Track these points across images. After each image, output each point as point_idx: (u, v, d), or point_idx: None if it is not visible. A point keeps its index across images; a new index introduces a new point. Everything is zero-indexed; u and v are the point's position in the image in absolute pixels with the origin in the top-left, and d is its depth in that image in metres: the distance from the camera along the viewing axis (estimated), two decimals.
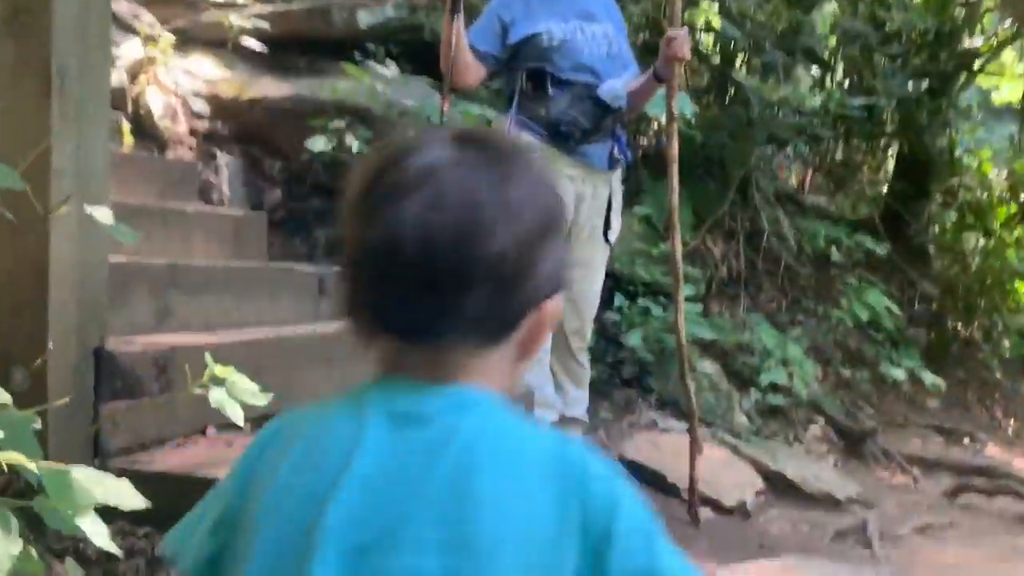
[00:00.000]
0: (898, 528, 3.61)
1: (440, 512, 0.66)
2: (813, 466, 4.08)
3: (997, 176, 6.78)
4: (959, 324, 6.75)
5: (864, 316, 5.48)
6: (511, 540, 0.66)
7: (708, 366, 4.72)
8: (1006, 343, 6.64)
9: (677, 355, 3.49)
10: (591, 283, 3.45)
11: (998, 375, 6.58)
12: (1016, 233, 6.19)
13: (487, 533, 0.65)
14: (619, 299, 4.60)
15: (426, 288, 0.69)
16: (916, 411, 5.69)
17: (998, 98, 7.29)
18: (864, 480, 4.37)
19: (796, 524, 3.54)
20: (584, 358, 3.52)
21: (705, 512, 3.34)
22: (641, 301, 4.58)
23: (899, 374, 5.32)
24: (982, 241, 6.10)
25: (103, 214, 1.65)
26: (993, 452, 5.14)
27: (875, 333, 5.69)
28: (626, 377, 4.56)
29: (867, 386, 5.52)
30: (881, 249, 5.90)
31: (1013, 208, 6.36)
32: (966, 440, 5.26)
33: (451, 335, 0.72)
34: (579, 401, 3.54)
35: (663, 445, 3.79)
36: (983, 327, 6.69)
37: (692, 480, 3.28)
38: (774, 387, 4.73)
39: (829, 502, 3.79)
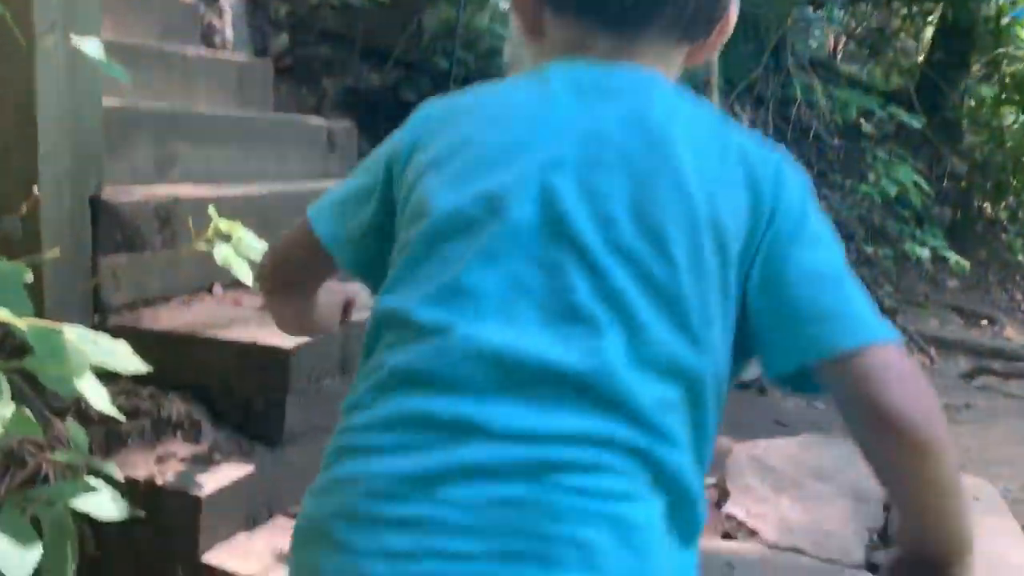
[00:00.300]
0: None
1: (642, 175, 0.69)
2: None
3: None
4: (987, 203, 6.56)
5: (892, 192, 5.29)
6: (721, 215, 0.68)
7: None
8: None
9: None
10: None
11: (1020, 257, 6.46)
12: None
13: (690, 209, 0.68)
14: None
15: None
16: (937, 290, 5.59)
17: None
18: None
19: (810, 402, 3.50)
20: None
21: None
22: None
23: (923, 253, 5.19)
24: (1021, 117, 5.81)
25: (93, 47, 1.47)
26: (1011, 334, 5.08)
27: (902, 210, 5.53)
28: None
29: (889, 263, 5.40)
30: (916, 122, 5.63)
31: None
32: (984, 322, 5.18)
33: (660, 25, 0.74)
34: None
35: None
36: (1010, 207, 6.50)
37: None
38: None
39: None
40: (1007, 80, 6.09)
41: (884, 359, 0.65)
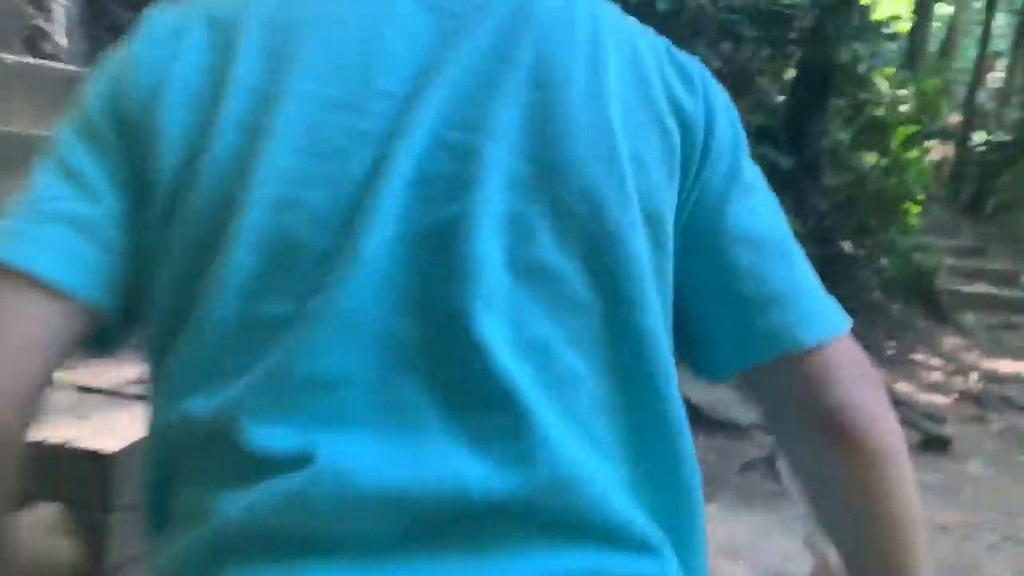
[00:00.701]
0: None
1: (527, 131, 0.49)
2: (714, 389, 3.90)
3: (895, 93, 6.71)
4: (849, 242, 6.76)
5: None
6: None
7: None
8: (883, 261, 6.71)
9: None
10: None
11: (875, 295, 6.68)
12: (914, 153, 6.15)
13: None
14: None
15: None
16: None
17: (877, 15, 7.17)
18: None
19: (704, 453, 3.35)
20: None
21: None
22: None
23: None
24: (883, 161, 6.01)
25: None
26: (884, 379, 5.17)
27: None
28: None
29: None
30: (785, 162, 5.72)
31: (912, 128, 6.30)
32: None
33: None
34: None
35: None
36: (866, 247, 6.72)
37: None
38: None
39: (733, 428, 3.63)
40: (864, 125, 6.31)
41: (846, 355, 0.56)
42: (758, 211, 0.56)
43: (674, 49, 0.57)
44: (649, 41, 0.55)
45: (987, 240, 10.03)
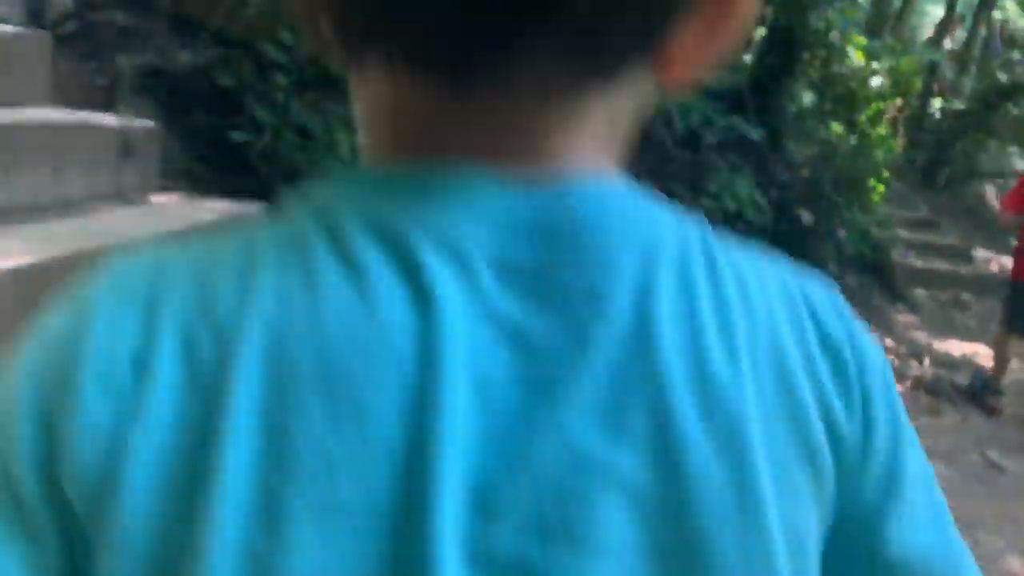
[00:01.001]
0: None
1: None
2: None
3: (867, 65, 6.61)
4: (809, 214, 6.73)
5: (732, 208, 5.24)
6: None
7: None
8: (842, 234, 6.70)
9: None
10: None
11: (831, 266, 6.68)
12: (881, 129, 6.09)
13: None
14: None
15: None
16: None
17: None
18: None
19: None
20: None
21: None
22: None
23: None
24: (851, 137, 5.94)
25: None
26: None
27: (740, 223, 5.50)
28: None
29: None
30: (755, 134, 5.62)
31: (881, 105, 6.24)
32: None
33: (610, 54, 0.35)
34: None
35: None
36: (826, 220, 6.69)
37: None
38: None
39: None
40: (834, 97, 6.21)
41: None
42: (921, 523, 0.43)
43: (817, 306, 0.42)
44: (787, 312, 0.40)
45: (940, 213, 10.14)
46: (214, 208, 2.42)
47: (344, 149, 3.17)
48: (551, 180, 0.35)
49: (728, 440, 0.35)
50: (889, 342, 5.94)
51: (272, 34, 3.19)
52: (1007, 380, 5.50)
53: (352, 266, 0.32)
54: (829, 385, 0.40)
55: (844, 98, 6.05)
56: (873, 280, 7.35)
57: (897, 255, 7.81)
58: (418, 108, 0.35)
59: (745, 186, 5.33)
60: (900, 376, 5.15)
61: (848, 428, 0.40)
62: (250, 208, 2.50)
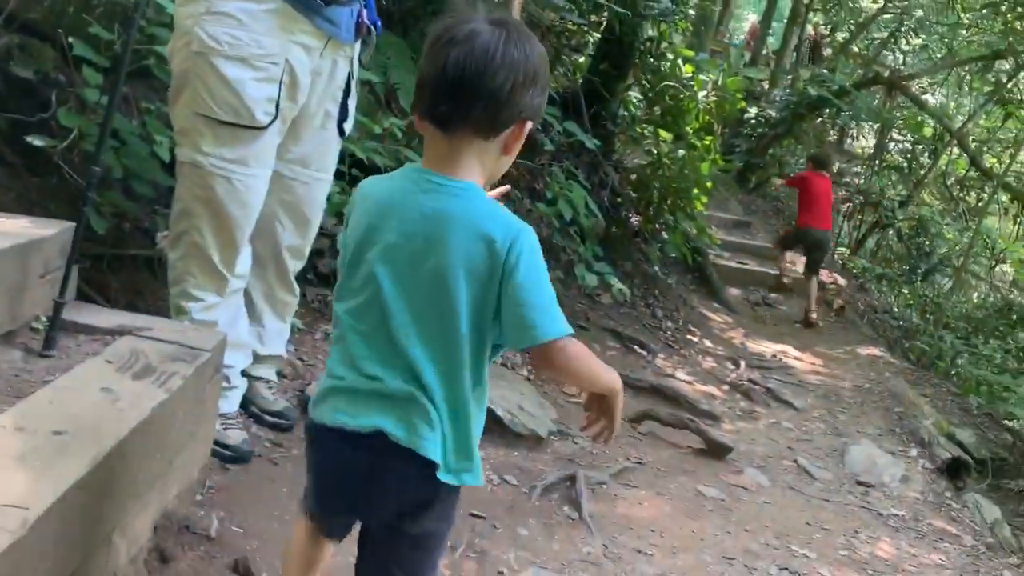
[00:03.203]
0: (599, 472, 3.51)
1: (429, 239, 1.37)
2: (512, 394, 3.82)
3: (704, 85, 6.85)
4: (634, 216, 6.92)
5: (568, 215, 5.30)
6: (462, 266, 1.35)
7: None
8: (665, 236, 6.95)
9: None
10: (318, 188, 2.71)
11: (656, 268, 6.93)
12: (708, 140, 6.35)
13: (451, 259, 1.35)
14: None
15: (454, 99, 1.33)
16: (594, 307, 5.75)
17: None
18: (555, 399, 4.26)
19: (503, 474, 3.26)
20: (295, 284, 2.81)
21: None
22: (352, 187, 3.85)
23: (591, 280, 5.26)
24: (679, 149, 6.15)
25: None
26: (664, 365, 5.36)
27: (570, 228, 5.57)
28: (323, 272, 3.88)
29: (558, 286, 5.42)
30: (590, 143, 5.70)
31: (706, 118, 6.50)
32: (638, 348, 5.41)
33: (466, 125, 1.35)
34: (279, 335, 2.85)
35: None
36: (652, 224, 6.92)
37: None
38: None
39: (533, 441, 3.58)
40: (664, 108, 6.41)
41: (559, 347, 1.34)
42: (528, 288, 1.34)
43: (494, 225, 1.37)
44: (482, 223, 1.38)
45: (751, 213, 10.78)
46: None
47: (165, 151, 2.90)
48: (453, 177, 1.38)
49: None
50: (708, 343, 6.24)
51: (81, 25, 2.85)
52: (816, 380, 5.93)
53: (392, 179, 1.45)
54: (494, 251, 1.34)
55: (672, 109, 6.25)
56: (693, 281, 7.70)
57: (714, 256, 8.23)
58: (430, 139, 1.40)
59: (579, 193, 5.40)
60: (718, 379, 5.42)
61: (498, 262, 1.33)
62: (46, 229, 2.22)
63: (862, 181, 12.89)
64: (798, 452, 4.45)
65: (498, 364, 4.30)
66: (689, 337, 6.18)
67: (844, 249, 12.11)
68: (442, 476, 1.38)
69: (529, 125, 1.38)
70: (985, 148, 12.09)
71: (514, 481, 3.23)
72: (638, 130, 7.11)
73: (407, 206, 1.37)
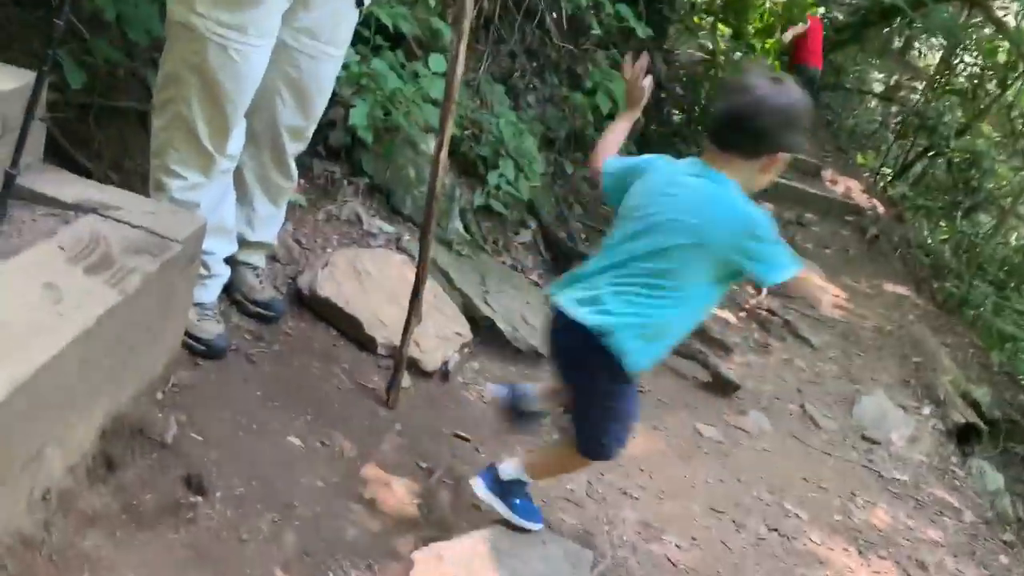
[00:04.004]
0: None
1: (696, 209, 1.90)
2: (517, 303, 3.59)
3: None
4: (681, 115, 6.52)
5: (605, 108, 4.93)
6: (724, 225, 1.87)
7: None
8: None
9: (432, 165, 2.52)
10: (327, 65, 2.41)
11: None
12: (768, 44, 5.86)
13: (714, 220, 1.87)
14: None
15: (730, 131, 1.90)
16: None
17: None
18: None
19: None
20: (293, 167, 2.55)
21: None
22: (374, 58, 3.51)
23: None
24: (738, 52, 5.68)
25: None
26: None
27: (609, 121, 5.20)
28: (333, 145, 3.59)
29: (585, 185, 5.12)
30: (641, 31, 5.25)
31: (769, 19, 5.98)
32: None
33: (734, 148, 1.90)
34: (270, 221, 2.62)
35: (368, 271, 3.01)
36: (696, 128, 6.52)
37: (400, 355, 2.60)
38: (496, 187, 4.09)
39: (533, 358, 3.39)
40: (727, 1, 5.88)
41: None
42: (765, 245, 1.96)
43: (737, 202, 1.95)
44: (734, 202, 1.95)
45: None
46: None
47: None
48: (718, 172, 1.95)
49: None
50: None
51: None
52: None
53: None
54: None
55: (735, 2, 5.74)
56: None
57: None
58: (709, 148, 1.97)
59: (621, 84, 5.00)
60: (737, 303, 5.18)
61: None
62: None
63: (920, 100, 12.20)
64: (807, 396, 4.27)
65: (507, 266, 4.07)
66: None
67: (888, 171, 11.60)
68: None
69: (787, 155, 1.91)
70: None
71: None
72: (695, 20, 6.58)
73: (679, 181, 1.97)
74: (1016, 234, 11.49)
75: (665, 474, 3.04)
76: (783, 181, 8.24)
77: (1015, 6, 10.44)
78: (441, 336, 3.02)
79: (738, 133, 1.88)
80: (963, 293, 7.56)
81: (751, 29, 5.85)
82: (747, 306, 5.16)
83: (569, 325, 1.94)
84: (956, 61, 11.82)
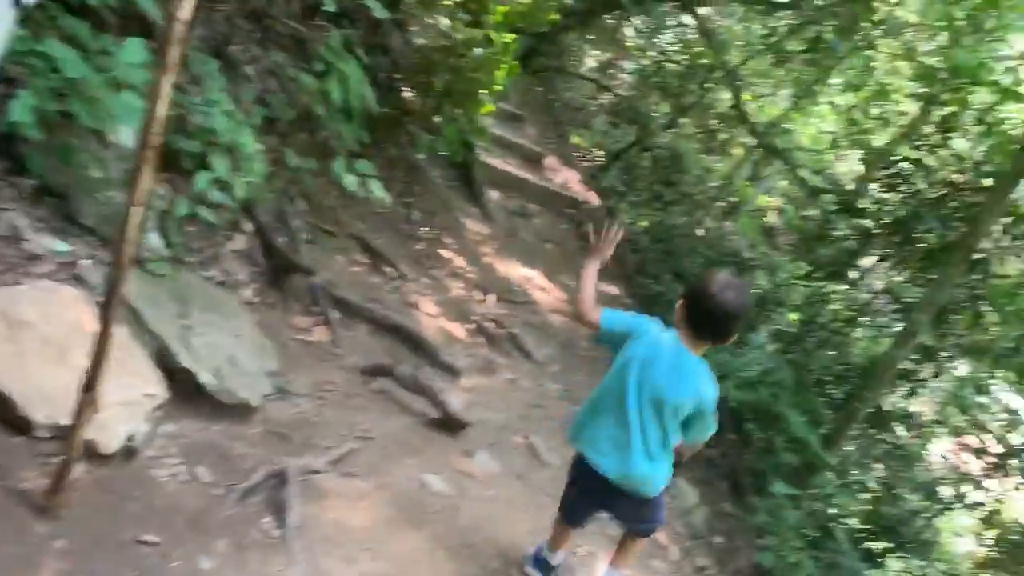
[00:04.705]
0: (316, 455, 2.94)
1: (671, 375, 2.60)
2: (226, 338, 3.08)
3: None
4: (418, 103, 6.14)
5: (338, 99, 4.43)
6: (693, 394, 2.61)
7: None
8: (439, 123, 6.26)
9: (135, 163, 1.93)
10: None
11: (421, 156, 6.29)
12: (507, 39, 5.63)
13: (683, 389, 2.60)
14: None
15: (715, 326, 2.57)
16: (348, 206, 5.00)
17: None
18: (279, 334, 3.57)
19: (195, 464, 2.59)
20: None
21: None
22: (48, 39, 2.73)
23: (350, 181, 4.48)
24: (478, 49, 5.40)
25: None
26: (409, 288, 4.80)
27: (336, 110, 4.71)
28: None
29: (309, 178, 4.60)
30: (379, 10, 4.78)
31: (504, 9, 5.76)
32: (386, 267, 4.80)
33: (720, 338, 2.61)
34: None
35: (25, 320, 2.34)
36: (429, 115, 6.17)
37: (72, 440, 2.02)
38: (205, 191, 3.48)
39: (242, 413, 2.91)
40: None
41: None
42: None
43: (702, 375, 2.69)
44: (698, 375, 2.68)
45: (525, 106, 10.29)
46: None
47: None
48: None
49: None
50: (459, 262, 5.75)
51: None
52: (558, 323, 5.69)
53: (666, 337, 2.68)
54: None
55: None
56: (457, 179, 7.15)
57: (482, 152, 7.68)
58: (686, 334, 2.62)
59: (356, 71, 4.54)
60: (464, 315, 4.99)
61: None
62: None
63: (634, 93, 12.84)
64: (531, 424, 4.18)
65: (216, 283, 3.50)
66: (441, 252, 5.64)
67: (601, 154, 12.12)
68: None
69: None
70: (749, 93, 12.39)
71: (207, 477, 2.57)
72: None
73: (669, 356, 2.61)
74: (706, 227, 12.52)
75: (391, 549, 2.75)
76: (509, 170, 8.22)
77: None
78: (125, 402, 2.44)
79: (718, 332, 2.57)
80: (658, 289, 7.99)
81: (492, 20, 5.59)
82: (474, 317, 4.98)
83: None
84: (665, 60, 12.54)
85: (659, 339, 2.58)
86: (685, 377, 2.53)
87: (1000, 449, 6.45)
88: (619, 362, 2.62)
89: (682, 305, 2.58)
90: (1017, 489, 6.40)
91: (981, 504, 6.33)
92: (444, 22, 6.08)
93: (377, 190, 4.64)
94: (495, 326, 5.00)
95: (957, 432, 7.11)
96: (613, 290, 7.23)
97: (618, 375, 2.61)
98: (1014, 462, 6.29)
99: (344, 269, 4.49)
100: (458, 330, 4.74)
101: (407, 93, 6.26)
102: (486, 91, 5.61)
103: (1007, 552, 6.40)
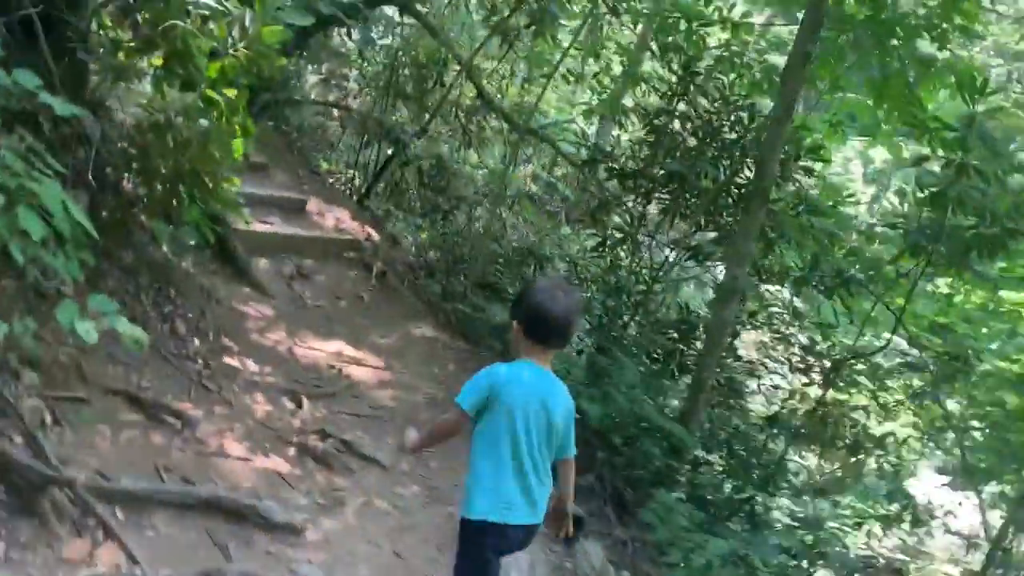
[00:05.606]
0: None
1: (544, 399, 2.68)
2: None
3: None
4: (144, 190, 5.07)
5: (38, 232, 3.38)
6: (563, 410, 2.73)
7: None
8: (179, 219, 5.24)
9: None
10: None
11: (168, 254, 5.27)
12: (233, 95, 4.71)
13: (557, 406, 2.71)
14: None
15: (561, 333, 2.72)
16: (91, 354, 3.92)
17: None
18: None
19: None
20: None
21: None
22: None
23: (88, 333, 3.43)
24: (203, 120, 4.45)
25: None
26: (205, 431, 3.83)
27: (46, 250, 3.63)
28: None
29: (31, 341, 3.50)
30: (60, 106, 3.76)
31: (222, 64, 4.83)
32: (170, 418, 3.79)
33: (558, 347, 2.80)
34: None
35: None
36: (159, 204, 5.13)
37: None
38: None
39: None
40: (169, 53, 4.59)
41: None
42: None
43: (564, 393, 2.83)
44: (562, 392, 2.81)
45: (264, 148, 9.23)
46: None
47: None
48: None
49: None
50: (251, 365, 4.80)
51: None
52: (389, 400, 4.93)
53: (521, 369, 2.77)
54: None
55: (180, 52, 4.49)
56: (214, 259, 6.11)
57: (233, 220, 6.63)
58: (533, 348, 2.73)
59: (52, 189, 3.49)
60: (281, 438, 4.10)
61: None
62: None
63: (374, 106, 12.09)
64: (407, 559, 3.42)
65: None
66: (227, 360, 4.67)
67: (356, 175, 11.29)
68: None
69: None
70: (487, 80, 12.04)
71: None
72: (122, 59, 5.12)
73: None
74: (486, 224, 12.04)
75: None
76: (270, 229, 7.24)
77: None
78: None
79: (573, 330, 2.85)
80: (473, 314, 7.38)
81: (208, 76, 4.64)
82: (293, 438, 4.11)
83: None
84: (398, 65, 11.90)
85: (517, 374, 2.65)
86: (557, 393, 2.69)
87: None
88: (496, 414, 2.62)
89: (520, 328, 2.68)
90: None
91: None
92: (146, 88, 5.04)
93: (129, 328, 3.62)
94: (321, 439, 4.15)
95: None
96: (428, 331, 6.53)
97: (504, 425, 2.61)
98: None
99: (112, 444, 3.46)
100: (280, 465, 3.85)
101: (129, 185, 5.19)
102: (224, 165, 4.68)
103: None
